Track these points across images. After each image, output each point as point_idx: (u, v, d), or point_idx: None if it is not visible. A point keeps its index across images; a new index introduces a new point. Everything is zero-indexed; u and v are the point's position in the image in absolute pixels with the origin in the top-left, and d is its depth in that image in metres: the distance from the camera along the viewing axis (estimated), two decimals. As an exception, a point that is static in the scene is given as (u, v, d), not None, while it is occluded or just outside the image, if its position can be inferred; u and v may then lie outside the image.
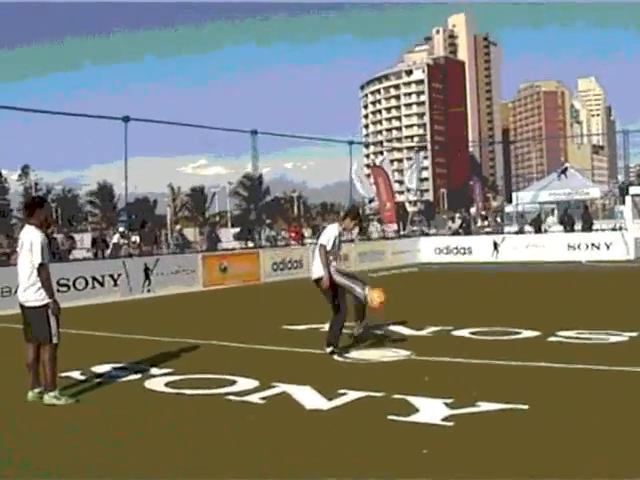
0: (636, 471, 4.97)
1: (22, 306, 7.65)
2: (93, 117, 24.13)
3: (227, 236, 40.98)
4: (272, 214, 76.70)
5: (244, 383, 8.10)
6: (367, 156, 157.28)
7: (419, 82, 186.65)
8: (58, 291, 14.59)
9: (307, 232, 37.00)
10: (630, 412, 6.47)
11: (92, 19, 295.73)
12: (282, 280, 24.78)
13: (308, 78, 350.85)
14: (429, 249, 33.16)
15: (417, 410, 6.70)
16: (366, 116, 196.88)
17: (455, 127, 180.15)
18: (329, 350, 9.78)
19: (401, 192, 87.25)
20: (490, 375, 8.31)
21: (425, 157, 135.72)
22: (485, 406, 6.72)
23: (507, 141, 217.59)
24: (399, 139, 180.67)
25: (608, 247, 28.82)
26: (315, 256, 10.05)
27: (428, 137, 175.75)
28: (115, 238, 28.72)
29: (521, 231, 35.29)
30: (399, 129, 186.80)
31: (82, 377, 8.86)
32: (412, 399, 7.04)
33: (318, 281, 9.89)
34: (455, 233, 35.51)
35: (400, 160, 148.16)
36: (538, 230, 34.17)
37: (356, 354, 9.82)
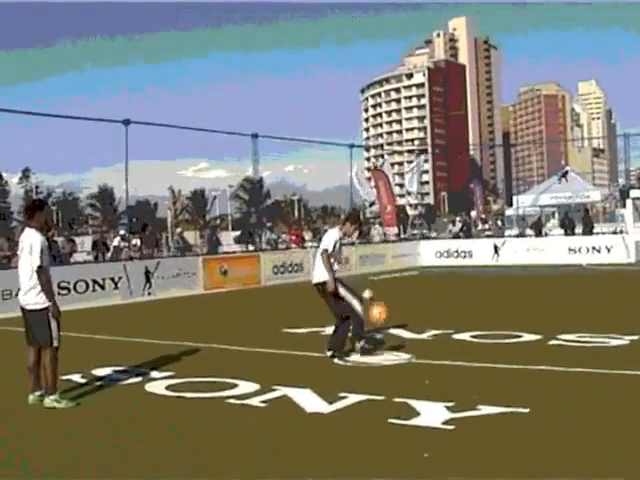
0: (637, 474, 4.97)
1: (23, 309, 7.65)
2: (94, 120, 24.20)
3: (228, 239, 40.94)
4: (273, 217, 76.77)
5: (245, 386, 8.10)
6: (368, 159, 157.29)
7: (420, 85, 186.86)
8: (59, 294, 14.60)
9: (308, 235, 36.92)
10: (631, 415, 6.47)
11: (93, 22, 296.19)
12: (283, 283, 24.77)
13: (309, 81, 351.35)
14: (430, 252, 33.15)
15: (418, 413, 6.69)
16: (367, 119, 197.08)
17: (456, 130, 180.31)
18: (329, 353, 9.77)
19: (401, 195, 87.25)
20: (491, 378, 8.30)
21: (426, 160, 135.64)
22: (486, 409, 6.72)
23: (508, 144, 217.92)
24: (400, 142, 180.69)
25: (609, 250, 28.82)
26: (316, 261, 10.04)
27: (429, 140, 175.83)
28: (116, 241, 28.69)
29: (522, 234, 35.29)
30: (400, 132, 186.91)
31: (83, 380, 8.86)
32: (413, 402, 7.03)
33: (319, 285, 9.87)
34: (456, 236, 35.50)
35: (401, 163, 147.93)
36: (539, 233, 34.17)
37: (357, 357, 9.80)
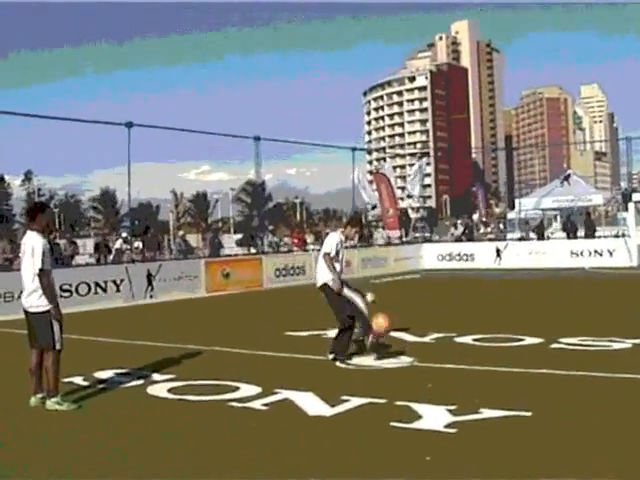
0: (639, 477, 4.97)
1: (26, 312, 7.65)
2: (96, 123, 24.21)
3: (230, 242, 41.00)
4: (275, 220, 76.81)
5: (247, 389, 8.09)
6: (370, 162, 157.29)
7: (422, 89, 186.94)
8: (61, 296, 14.60)
9: (310, 238, 36.93)
10: (633, 419, 6.46)
11: (95, 26, 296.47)
12: (285, 286, 24.78)
13: (311, 84, 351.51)
14: (432, 255, 33.15)
15: (420, 417, 6.69)
16: (369, 122, 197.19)
17: (458, 133, 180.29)
18: (332, 356, 9.77)
19: (403, 198, 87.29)
20: (493, 382, 8.30)
21: (428, 163, 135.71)
22: (488, 413, 6.71)
23: (510, 148, 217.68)
24: (402, 145, 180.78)
25: (611, 254, 28.80)
26: (319, 264, 10.04)
27: (431, 144, 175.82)
28: (118, 244, 28.73)
29: (525, 238, 35.27)
30: (402, 135, 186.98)
31: (85, 383, 8.85)
32: (415, 406, 7.03)
33: (322, 287, 9.87)
34: (458, 239, 35.48)
35: (403, 167, 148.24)
36: (541, 237, 34.15)
37: (359, 360, 9.80)
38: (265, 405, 7.40)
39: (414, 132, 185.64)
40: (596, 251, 29.24)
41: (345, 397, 7.49)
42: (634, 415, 6.60)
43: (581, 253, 29.43)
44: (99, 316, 17.25)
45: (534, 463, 5.32)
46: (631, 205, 31.05)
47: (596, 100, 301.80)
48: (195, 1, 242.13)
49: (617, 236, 31.99)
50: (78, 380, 8.93)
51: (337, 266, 9.85)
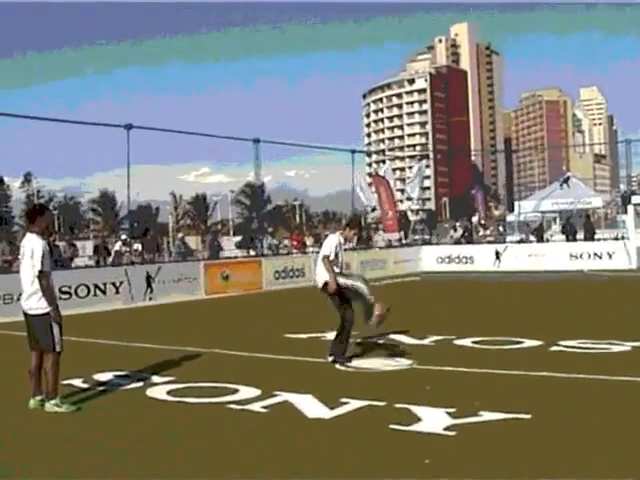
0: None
1: (25, 314, 7.64)
2: (95, 125, 24.29)
3: (229, 244, 41.00)
4: (274, 222, 76.81)
5: (246, 392, 8.09)
6: (369, 165, 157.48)
7: (421, 91, 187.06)
8: (60, 299, 14.59)
9: (309, 241, 36.97)
10: (632, 422, 6.45)
11: (94, 27, 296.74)
12: (284, 288, 24.77)
13: (310, 86, 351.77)
14: (431, 258, 33.15)
15: (419, 419, 6.68)
16: (368, 125, 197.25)
17: (457, 136, 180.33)
18: (331, 359, 9.77)
19: (402, 201, 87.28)
20: (492, 384, 8.29)
21: (427, 166, 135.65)
22: (487, 416, 6.71)
23: (509, 150, 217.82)
24: (401, 148, 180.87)
25: (610, 256, 28.81)
26: (318, 266, 10.05)
27: (430, 146, 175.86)
28: (117, 246, 28.71)
29: (524, 240, 35.27)
30: (401, 138, 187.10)
31: (84, 385, 8.85)
32: (414, 408, 7.03)
33: (324, 288, 9.86)
34: (457, 242, 35.49)
35: (402, 169, 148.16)
36: (540, 239, 34.16)
37: (358, 363, 9.80)
38: (264, 407, 7.40)
39: (413, 134, 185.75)
40: (595, 254, 29.25)
41: (344, 399, 7.49)
42: (633, 418, 6.59)
43: (580, 256, 29.44)
44: (98, 318, 17.25)
45: (534, 466, 5.32)
46: (630, 208, 31.06)
47: (595, 102, 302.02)
48: (195, 1, 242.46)
49: (616, 239, 31.99)
50: (77, 382, 8.93)
51: (336, 269, 9.85)
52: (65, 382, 8.38)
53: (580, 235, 32.50)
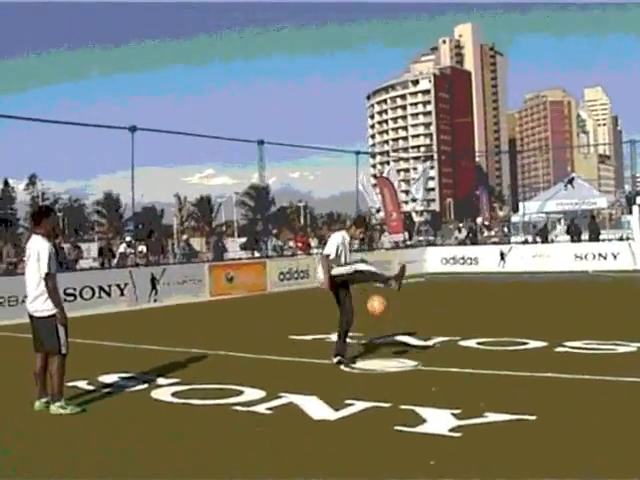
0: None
1: (31, 316, 7.64)
2: (100, 127, 24.31)
3: (234, 246, 41.02)
4: (278, 224, 76.80)
5: (251, 393, 8.09)
6: (374, 166, 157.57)
7: (425, 92, 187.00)
8: (65, 301, 14.59)
9: (313, 242, 36.96)
10: (638, 423, 6.44)
11: (98, 29, 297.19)
12: (289, 290, 24.77)
13: (315, 88, 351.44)
14: (436, 259, 33.12)
15: (424, 421, 6.68)
16: (372, 126, 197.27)
17: (461, 137, 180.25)
18: (336, 360, 9.77)
19: (407, 202, 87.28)
20: (497, 386, 8.28)
21: (431, 167, 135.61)
22: (493, 417, 6.70)
23: (513, 151, 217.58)
24: (405, 149, 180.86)
25: (615, 257, 28.75)
26: (318, 266, 10.11)
27: (434, 147, 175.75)
28: (122, 248, 28.76)
29: (533, 241, 35.22)
30: (405, 139, 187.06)
31: (89, 387, 8.86)
32: (419, 410, 7.02)
33: (332, 278, 9.84)
34: (462, 243, 35.47)
35: (406, 170, 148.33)
36: (545, 240, 34.12)
37: (363, 364, 9.80)
38: (269, 409, 7.39)
39: (418, 136, 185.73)
40: (600, 254, 29.19)
41: (349, 401, 7.48)
42: (639, 419, 6.58)
43: (585, 256, 29.38)
44: (103, 320, 17.27)
45: (539, 467, 5.31)
46: (635, 208, 31.05)
47: (600, 103, 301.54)
48: (197, 2, 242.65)
49: (621, 239, 31.96)
50: (82, 384, 8.94)
51: (341, 269, 9.84)
52: (70, 384, 8.38)
53: (585, 236, 32.46)
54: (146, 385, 8.85)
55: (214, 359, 10.85)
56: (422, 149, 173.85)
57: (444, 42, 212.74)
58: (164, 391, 8.45)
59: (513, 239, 39.02)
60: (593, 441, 5.93)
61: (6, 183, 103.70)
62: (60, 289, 7.94)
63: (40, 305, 7.50)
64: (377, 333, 11.88)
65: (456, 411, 6.89)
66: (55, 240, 17.99)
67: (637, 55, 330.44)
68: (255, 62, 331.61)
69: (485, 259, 31.65)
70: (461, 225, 41.60)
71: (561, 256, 29.77)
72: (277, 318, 16.98)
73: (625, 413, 6.80)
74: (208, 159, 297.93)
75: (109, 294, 19.72)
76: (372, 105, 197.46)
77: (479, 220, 45.05)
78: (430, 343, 11.48)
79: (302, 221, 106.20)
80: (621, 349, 10.28)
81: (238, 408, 7.49)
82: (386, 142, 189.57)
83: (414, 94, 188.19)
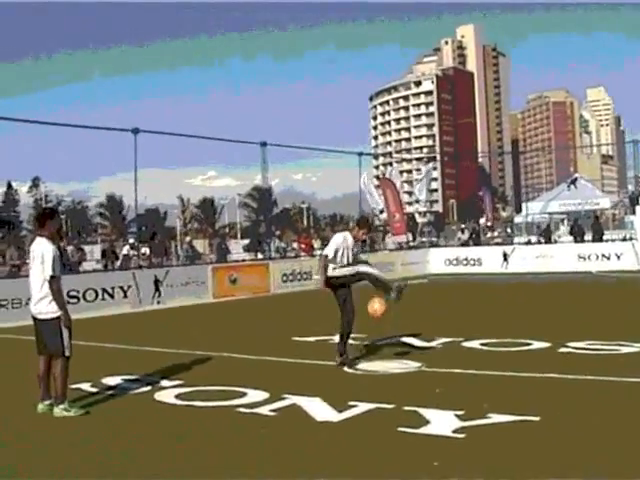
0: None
1: (35, 318, 7.64)
2: (103, 129, 24.23)
3: (237, 248, 41.02)
4: (281, 225, 76.79)
5: (254, 395, 8.09)
6: (376, 167, 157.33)
7: (428, 93, 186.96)
8: (68, 303, 14.61)
9: (317, 243, 36.95)
10: (642, 424, 6.44)
11: (100, 30, 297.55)
12: (292, 292, 24.77)
13: (317, 89, 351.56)
14: (439, 260, 33.10)
15: (428, 422, 6.67)
16: (375, 127, 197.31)
17: (464, 138, 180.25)
18: (339, 360, 9.76)
19: (411, 203, 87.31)
20: (501, 386, 8.28)
21: (434, 168, 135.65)
22: (496, 418, 6.69)
23: (516, 152, 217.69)
24: (408, 150, 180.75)
25: (618, 257, 28.72)
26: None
27: (437, 148, 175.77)
28: (125, 250, 28.80)
29: (539, 242, 35.18)
30: (408, 140, 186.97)
31: (92, 389, 8.86)
32: (423, 411, 7.01)
33: (331, 279, 9.87)
34: (465, 244, 35.45)
35: (409, 171, 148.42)
36: (548, 240, 34.09)
37: (366, 366, 9.80)
38: (273, 411, 7.39)
39: (420, 137, 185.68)
40: (603, 255, 29.17)
41: (353, 402, 7.48)
42: (643, 419, 6.58)
43: (588, 257, 29.36)
44: (106, 322, 17.28)
45: (543, 468, 5.30)
46: (638, 208, 31.05)
47: (602, 103, 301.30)
48: (198, 2, 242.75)
49: (624, 240, 31.92)
50: (85, 386, 8.94)
51: (344, 270, 9.86)
52: (74, 386, 8.38)
53: (588, 236, 32.43)
54: (149, 387, 8.86)
55: (217, 361, 10.85)
56: (425, 150, 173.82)
57: (446, 43, 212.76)
58: (167, 393, 8.46)
59: (516, 240, 39.00)
60: (597, 442, 5.92)
61: (9, 186, 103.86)
62: (63, 291, 7.94)
63: (44, 307, 7.51)
64: (380, 334, 11.88)
65: (459, 412, 6.89)
66: (61, 243, 18.01)
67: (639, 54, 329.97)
68: (257, 63, 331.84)
69: (488, 260, 31.63)
70: (464, 226, 41.58)
71: (564, 257, 29.75)
72: (280, 320, 16.98)
73: (629, 414, 6.79)
74: (211, 161, 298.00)
75: (112, 296, 19.72)
76: (375, 106, 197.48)
77: (482, 221, 45.08)
78: (433, 344, 11.48)
79: (305, 222, 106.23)
80: (625, 349, 10.27)
81: (242, 410, 7.49)
82: (389, 143, 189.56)
83: (417, 95, 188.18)
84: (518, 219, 49.79)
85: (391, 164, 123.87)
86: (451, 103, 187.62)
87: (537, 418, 6.64)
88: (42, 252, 7.49)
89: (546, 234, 35.09)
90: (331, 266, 9.84)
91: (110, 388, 8.93)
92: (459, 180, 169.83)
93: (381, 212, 40.10)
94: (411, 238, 36.69)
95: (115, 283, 19.98)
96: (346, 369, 9.59)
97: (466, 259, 32.46)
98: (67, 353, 7.51)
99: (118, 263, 27.12)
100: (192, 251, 29.89)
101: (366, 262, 10.24)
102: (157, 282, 20.98)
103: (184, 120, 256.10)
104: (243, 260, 30.95)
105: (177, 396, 8.26)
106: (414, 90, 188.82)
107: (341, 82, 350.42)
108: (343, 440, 6.29)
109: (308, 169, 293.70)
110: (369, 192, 39.32)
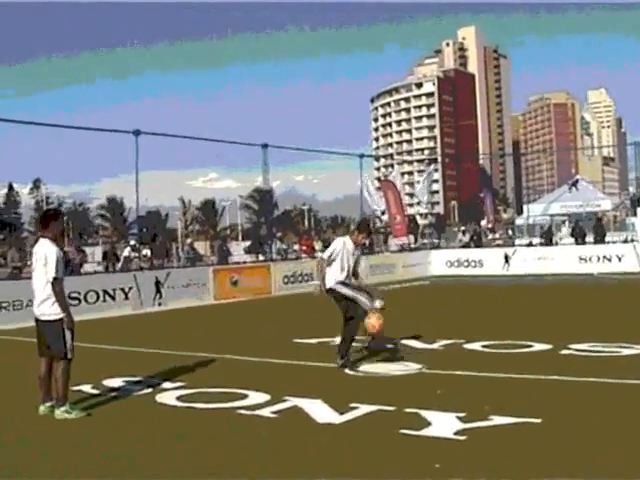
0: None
1: (37, 320, 7.64)
2: (104, 131, 24.25)
3: (238, 249, 41.05)
4: (283, 227, 76.81)
5: (255, 397, 8.09)
6: (378, 169, 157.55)
7: (429, 95, 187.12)
8: (69, 305, 14.63)
9: (318, 245, 36.96)
10: (644, 426, 6.43)
11: (101, 32, 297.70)
12: (293, 293, 24.74)
13: (318, 91, 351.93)
14: (440, 262, 33.07)
15: (429, 424, 6.67)
16: (376, 129, 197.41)
17: (465, 140, 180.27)
18: (340, 362, 9.76)
19: (412, 205, 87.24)
20: (502, 389, 8.27)
21: (436, 170, 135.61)
22: (498, 420, 6.69)
23: (517, 153, 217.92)
24: (409, 152, 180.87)
25: (620, 259, 28.70)
26: (322, 269, 10.11)
27: (438, 150, 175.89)
28: (126, 251, 28.79)
29: (532, 243, 35.18)
30: (409, 142, 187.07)
31: (93, 391, 8.86)
32: (424, 413, 7.01)
33: (329, 291, 9.92)
34: (466, 246, 35.43)
35: (410, 173, 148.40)
36: (549, 242, 34.08)
37: (367, 368, 9.79)
38: (274, 413, 7.39)
39: (422, 138, 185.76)
40: (605, 257, 29.15)
41: (354, 404, 7.48)
42: (645, 421, 6.57)
43: (590, 259, 29.33)
44: (107, 324, 17.26)
45: (544, 470, 5.30)
46: (640, 210, 31.02)
47: (604, 105, 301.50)
48: (199, 2, 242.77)
49: (626, 241, 31.91)
50: (87, 388, 8.94)
51: (343, 274, 9.88)
52: (75, 388, 8.38)
53: (589, 238, 32.41)
54: (151, 389, 8.85)
55: (219, 363, 10.85)
56: (426, 152, 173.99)
57: (448, 45, 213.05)
58: (169, 395, 8.46)
59: (517, 242, 39.00)
60: (598, 444, 5.92)
61: (10, 187, 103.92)
62: (65, 293, 7.94)
63: (47, 309, 7.51)
64: (381, 336, 11.86)
65: (461, 414, 6.89)
66: (63, 244, 18.01)
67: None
68: (258, 65, 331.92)
69: (489, 262, 31.60)
70: (465, 228, 41.55)
71: (565, 259, 29.73)
72: (282, 321, 16.98)
73: (630, 415, 6.79)
74: (212, 163, 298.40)
75: (113, 298, 19.72)
76: (376, 108, 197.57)
77: (483, 223, 45.08)
78: (434, 346, 11.48)
79: (306, 224, 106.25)
80: (626, 351, 10.26)
81: (243, 412, 7.49)
82: (390, 145, 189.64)
83: (418, 97, 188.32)
84: (519, 221, 49.75)
85: (392, 166, 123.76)
86: (452, 105, 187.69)
87: (538, 420, 6.64)
88: (45, 254, 7.49)
89: (547, 236, 35.07)
90: (334, 279, 9.83)
91: (111, 390, 8.93)
92: (460, 182, 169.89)
93: (382, 214, 40.05)
94: (412, 240, 36.64)
95: (116, 285, 19.98)
96: (347, 371, 9.59)
97: (467, 261, 32.44)
98: (69, 355, 7.51)
99: (119, 265, 27.13)
100: (193, 253, 29.93)
101: (369, 292, 10.11)
102: (158, 284, 20.98)
103: (186, 122, 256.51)
104: (244, 262, 30.99)
105: (178, 398, 8.26)
106: (415, 92, 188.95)
107: (342, 84, 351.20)
108: (344, 442, 6.29)
109: (309, 171, 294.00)
110: (370, 194, 39.31)
